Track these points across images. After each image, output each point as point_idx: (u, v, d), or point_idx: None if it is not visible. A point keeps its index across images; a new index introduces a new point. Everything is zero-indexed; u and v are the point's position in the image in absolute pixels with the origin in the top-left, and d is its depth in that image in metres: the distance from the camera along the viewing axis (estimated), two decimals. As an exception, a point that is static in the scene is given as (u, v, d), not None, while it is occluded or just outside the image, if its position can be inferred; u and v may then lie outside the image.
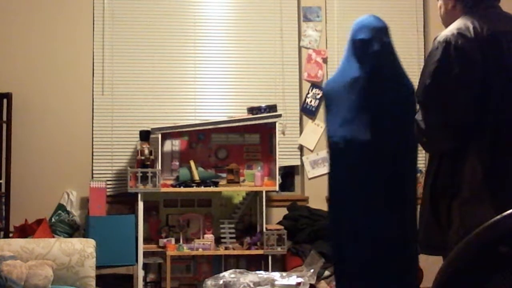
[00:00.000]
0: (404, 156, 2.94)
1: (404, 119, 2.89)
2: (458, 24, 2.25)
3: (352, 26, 3.14)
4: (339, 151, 3.04)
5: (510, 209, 1.32)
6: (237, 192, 4.80)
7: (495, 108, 2.17)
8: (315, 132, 5.06)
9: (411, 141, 2.86)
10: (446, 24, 2.34)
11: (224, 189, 4.67)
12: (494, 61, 2.17)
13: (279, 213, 4.87)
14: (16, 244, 3.38)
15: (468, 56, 2.16)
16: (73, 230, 4.61)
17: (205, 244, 4.51)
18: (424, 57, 4.97)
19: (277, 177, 4.63)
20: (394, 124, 2.93)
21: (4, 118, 4.61)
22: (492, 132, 2.18)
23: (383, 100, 2.96)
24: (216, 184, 4.58)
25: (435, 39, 2.27)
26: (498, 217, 1.31)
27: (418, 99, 2.29)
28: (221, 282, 3.32)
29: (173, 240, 4.54)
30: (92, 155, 4.84)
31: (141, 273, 4.41)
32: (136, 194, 4.43)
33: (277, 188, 4.63)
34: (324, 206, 4.95)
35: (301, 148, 5.09)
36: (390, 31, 3.10)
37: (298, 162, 5.09)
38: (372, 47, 2.98)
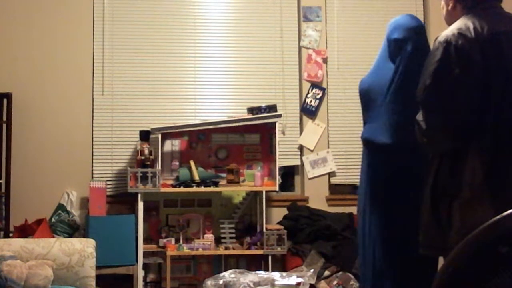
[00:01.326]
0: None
1: None
2: (458, 24, 2.25)
3: (388, 25, 3.09)
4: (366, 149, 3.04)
5: (510, 209, 1.32)
6: (237, 192, 4.80)
7: (496, 108, 2.17)
8: (315, 132, 5.06)
9: None
10: (450, 24, 2.35)
11: (224, 189, 4.67)
12: (494, 61, 2.17)
13: (279, 213, 4.87)
14: (16, 244, 3.38)
15: (469, 56, 2.16)
16: (73, 230, 4.61)
17: (205, 244, 4.51)
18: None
19: (277, 177, 4.63)
20: None
21: (4, 118, 4.61)
22: (493, 132, 2.18)
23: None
24: (216, 184, 4.58)
25: (435, 39, 2.27)
26: (498, 217, 1.31)
27: (419, 99, 2.29)
28: (221, 282, 3.32)
29: (173, 240, 4.54)
30: (92, 155, 4.84)
31: (141, 273, 4.41)
32: (136, 194, 4.43)
33: (277, 188, 4.63)
34: (324, 206, 4.96)
35: (301, 148, 5.09)
36: (425, 30, 3.06)
37: (298, 162, 5.09)
38: (406, 48, 2.93)
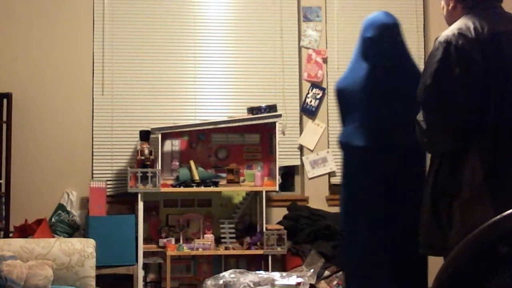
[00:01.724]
0: (416, 157, 2.86)
1: None
2: (459, 24, 2.25)
3: (362, 23, 3.00)
4: (343, 153, 3.03)
5: (510, 209, 1.32)
6: (237, 192, 4.80)
7: (495, 108, 2.17)
8: (315, 132, 5.06)
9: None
10: (450, 24, 2.35)
11: (224, 189, 4.67)
12: (494, 61, 2.17)
13: (279, 213, 4.87)
14: (16, 244, 3.38)
15: (469, 56, 2.16)
16: (73, 230, 4.61)
17: (205, 244, 4.51)
18: (424, 57, 4.98)
19: (277, 177, 4.63)
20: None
21: (4, 118, 4.61)
22: (493, 132, 2.18)
23: (393, 100, 2.83)
24: (216, 184, 4.58)
25: (436, 39, 2.27)
26: (498, 217, 1.31)
27: (419, 99, 2.29)
28: (221, 282, 3.32)
29: (173, 240, 4.54)
30: (92, 155, 4.84)
31: (141, 273, 4.41)
32: (136, 194, 4.43)
33: (277, 188, 4.63)
34: (324, 206, 4.95)
35: (301, 148, 5.09)
36: (401, 27, 2.98)
37: (298, 162, 5.09)
38: (381, 46, 2.86)
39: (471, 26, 2.20)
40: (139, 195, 4.39)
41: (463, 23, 2.24)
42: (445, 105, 2.19)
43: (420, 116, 2.28)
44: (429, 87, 2.21)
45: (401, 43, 2.93)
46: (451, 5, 2.38)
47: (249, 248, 4.49)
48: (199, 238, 4.60)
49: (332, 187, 5.10)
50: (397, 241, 2.78)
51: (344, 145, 2.97)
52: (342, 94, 3.01)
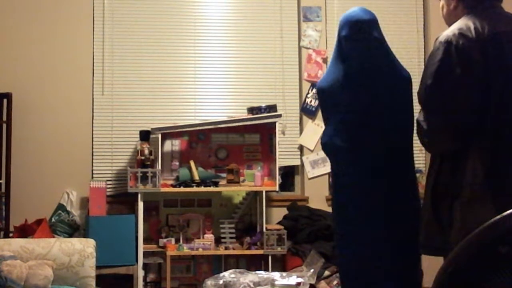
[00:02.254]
0: (400, 154, 2.86)
1: (404, 115, 2.86)
2: (459, 24, 2.25)
3: (339, 21, 2.93)
4: (326, 153, 3.03)
5: (511, 209, 1.32)
6: (237, 192, 4.80)
7: (496, 108, 2.17)
8: (315, 132, 5.06)
9: (409, 139, 2.85)
10: (449, 24, 2.34)
11: (224, 189, 4.67)
12: (495, 61, 2.17)
13: (279, 213, 4.87)
14: (16, 244, 3.38)
15: (469, 56, 2.16)
16: (73, 230, 4.61)
17: (205, 244, 4.51)
18: (424, 57, 4.97)
19: (277, 177, 4.63)
20: (390, 122, 2.80)
21: (4, 118, 4.61)
22: (493, 132, 2.17)
23: (372, 100, 2.81)
24: (216, 184, 4.58)
25: (436, 39, 2.27)
26: (498, 217, 1.31)
27: (420, 99, 2.29)
28: (221, 282, 3.32)
29: (173, 240, 4.54)
30: (92, 155, 4.84)
31: (141, 273, 4.41)
32: (136, 194, 4.43)
33: (277, 188, 4.63)
34: (324, 206, 4.95)
35: (301, 148, 5.09)
36: (378, 23, 2.88)
37: (298, 162, 5.09)
38: (355, 44, 2.80)
39: (472, 26, 2.20)
40: (139, 195, 4.39)
41: (464, 23, 2.24)
42: (446, 105, 2.19)
43: (420, 116, 2.28)
44: (430, 87, 2.21)
45: (377, 40, 2.84)
46: (452, 5, 2.38)
47: (249, 248, 4.49)
48: (199, 238, 4.60)
49: (332, 187, 5.10)
50: (390, 240, 2.78)
51: (326, 145, 2.96)
52: (323, 95, 3.00)
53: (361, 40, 2.81)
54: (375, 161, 2.80)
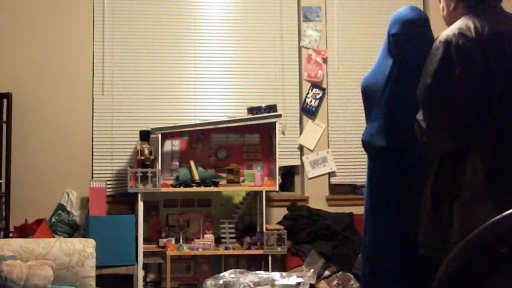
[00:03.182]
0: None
1: None
2: (459, 24, 2.25)
3: (389, 19, 2.90)
4: (366, 151, 2.97)
5: (511, 209, 1.32)
6: (237, 192, 4.80)
7: (497, 108, 2.17)
8: (315, 132, 5.06)
9: None
10: (450, 24, 2.34)
11: (224, 189, 4.67)
12: (495, 61, 2.17)
13: (279, 213, 4.87)
14: (16, 244, 3.37)
15: (469, 56, 2.16)
16: (73, 230, 4.61)
17: (205, 244, 4.51)
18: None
19: (277, 177, 4.63)
20: None
21: (4, 118, 4.61)
22: (493, 132, 2.17)
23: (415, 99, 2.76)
24: (216, 184, 4.58)
25: (436, 38, 2.27)
26: (498, 217, 1.31)
27: (419, 98, 2.28)
28: (221, 282, 3.32)
29: (173, 240, 4.53)
30: (92, 155, 4.84)
31: (141, 273, 4.41)
32: (136, 194, 4.43)
33: (277, 188, 4.63)
34: (324, 206, 4.96)
35: (301, 148, 5.09)
36: (428, 21, 2.86)
37: (298, 162, 5.09)
38: (405, 42, 2.78)
39: (472, 26, 2.20)
40: (139, 195, 4.39)
41: (464, 23, 2.24)
42: (445, 104, 2.19)
43: (420, 116, 2.28)
44: (429, 86, 2.21)
45: (427, 39, 2.78)
46: (452, 5, 2.38)
47: (249, 248, 4.49)
48: (199, 238, 4.60)
49: (332, 187, 5.11)
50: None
51: (365, 144, 2.96)
52: (367, 92, 2.96)
53: (410, 38, 2.80)
54: (413, 164, 2.75)
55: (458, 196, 2.18)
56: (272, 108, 4.66)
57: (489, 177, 2.15)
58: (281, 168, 4.82)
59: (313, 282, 4.03)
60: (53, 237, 4.26)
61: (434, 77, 2.20)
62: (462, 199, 2.17)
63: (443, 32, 2.26)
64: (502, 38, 2.20)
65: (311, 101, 5.07)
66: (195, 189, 4.53)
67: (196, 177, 4.55)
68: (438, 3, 2.51)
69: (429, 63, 2.24)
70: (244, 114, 4.68)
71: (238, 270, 3.53)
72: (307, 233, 4.58)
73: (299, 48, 5.14)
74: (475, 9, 2.28)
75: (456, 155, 2.22)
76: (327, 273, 4.24)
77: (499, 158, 2.17)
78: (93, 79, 4.89)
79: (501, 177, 2.17)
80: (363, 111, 3.04)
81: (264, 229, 4.49)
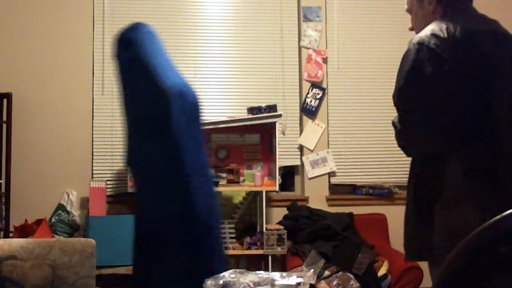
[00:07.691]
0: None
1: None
2: (432, 26, 2.24)
3: None
4: None
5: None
6: (237, 192, 4.80)
7: (473, 107, 2.15)
8: (315, 132, 5.07)
9: None
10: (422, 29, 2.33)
11: (224, 189, 4.67)
12: (467, 60, 2.16)
13: (279, 213, 4.87)
14: (16, 244, 3.37)
15: (441, 55, 2.14)
16: (73, 230, 4.61)
17: (205, 244, 4.50)
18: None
19: (277, 177, 4.63)
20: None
21: (4, 118, 4.61)
22: (472, 133, 2.15)
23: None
24: (216, 184, 4.58)
25: (410, 41, 2.25)
26: (498, 217, 1.31)
27: (394, 100, 2.27)
28: (221, 282, 3.31)
29: (173, 240, 4.53)
30: (92, 155, 4.84)
31: (141, 273, 4.40)
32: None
33: (277, 188, 4.63)
34: (324, 206, 4.96)
35: (301, 148, 5.09)
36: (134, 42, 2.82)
37: (298, 162, 5.09)
38: (118, 66, 2.74)
39: (444, 27, 2.19)
40: (139, 195, 4.39)
41: (436, 24, 2.23)
42: (419, 105, 2.17)
43: (395, 118, 2.27)
44: (402, 88, 2.20)
45: (136, 60, 2.81)
46: (430, 11, 2.36)
47: (249, 248, 4.49)
48: (199, 238, 4.59)
49: (332, 187, 5.11)
50: None
51: None
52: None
53: (120, 60, 2.84)
54: None
55: (440, 199, 2.16)
56: (272, 108, 4.66)
57: (470, 178, 2.13)
58: (281, 168, 4.82)
59: (313, 282, 4.02)
60: (53, 237, 4.27)
61: (406, 78, 2.18)
62: (443, 202, 2.15)
63: (417, 34, 2.26)
64: (475, 37, 2.19)
65: (311, 101, 5.08)
66: (195, 189, 4.52)
67: (196, 177, 4.55)
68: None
69: (403, 65, 2.23)
70: (244, 114, 4.68)
71: (238, 270, 3.52)
72: (307, 233, 4.58)
73: (299, 48, 5.14)
74: (448, 14, 2.28)
75: (435, 157, 2.19)
76: (327, 273, 4.24)
77: (479, 158, 2.15)
78: (93, 79, 4.90)
79: (481, 178, 2.14)
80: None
81: (264, 229, 4.49)
